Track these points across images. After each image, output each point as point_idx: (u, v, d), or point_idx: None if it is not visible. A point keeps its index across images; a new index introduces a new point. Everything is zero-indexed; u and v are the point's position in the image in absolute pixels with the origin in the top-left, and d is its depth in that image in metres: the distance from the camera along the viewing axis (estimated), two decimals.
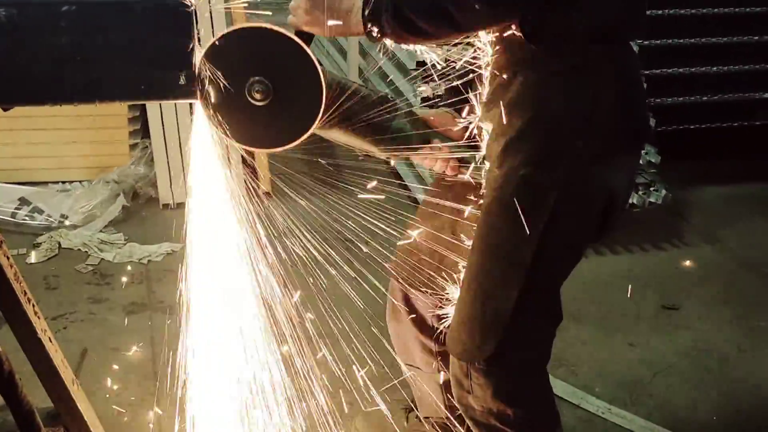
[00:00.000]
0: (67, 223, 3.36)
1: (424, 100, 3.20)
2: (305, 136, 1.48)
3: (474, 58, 1.58)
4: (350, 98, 1.58)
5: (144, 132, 3.62)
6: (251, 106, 1.43)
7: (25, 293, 1.55)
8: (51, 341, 1.62)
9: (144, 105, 3.49)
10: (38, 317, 1.58)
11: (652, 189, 3.43)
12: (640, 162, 3.37)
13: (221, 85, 1.41)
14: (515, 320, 1.59)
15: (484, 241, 1.58)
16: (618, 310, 2.98)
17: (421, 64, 3.28)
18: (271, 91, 1.41)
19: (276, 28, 1.44)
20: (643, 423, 2.39)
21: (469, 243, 1.65)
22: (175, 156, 3.51)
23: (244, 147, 1.50)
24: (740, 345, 2.80)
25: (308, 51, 1.42)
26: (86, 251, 3.20)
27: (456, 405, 1.79)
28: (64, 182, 3.65)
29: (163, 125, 3.46)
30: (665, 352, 2.75)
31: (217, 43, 1.40)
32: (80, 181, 3.64)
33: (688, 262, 3.34)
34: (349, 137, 1.63)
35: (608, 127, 1.49)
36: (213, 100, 1.42)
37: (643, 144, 1.67)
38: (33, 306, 1.56)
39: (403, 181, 3.59)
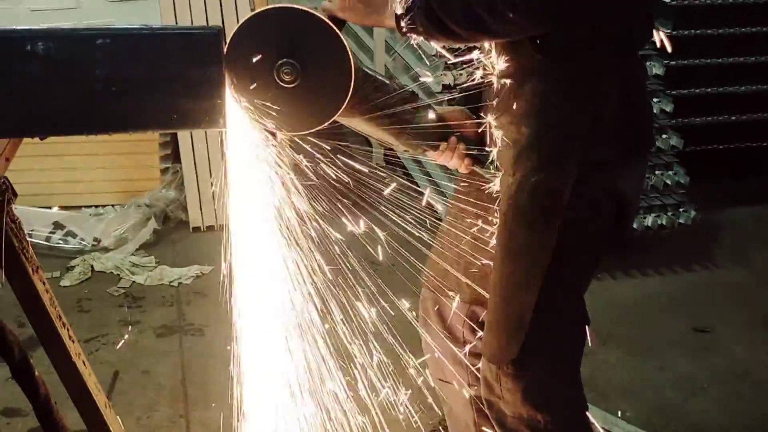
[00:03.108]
0: (99, 246, 3.42)
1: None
2: (330, 120, 1.49)
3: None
4: (376, 88, 1.60)
5: (175, 157, 3.68)
6: (279, 88, 1.44)
7: (60, 317, 1.58)
8: (85, 365, 1.65)
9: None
10: (72, 341, 1.62)
11: (681, 210, 3.41)
12: (660, 173, 3.38)
13: (250, 65, 1.41)
14: (537, 323, 1.60)
15: (503, 247, 1.61)
16: (648, 332, 2.95)
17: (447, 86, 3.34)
18: (299, 73, 1.42)
19: (310, 10, 1.46)
20: None
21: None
22: (205, 180, 3.56)
23: (268, 129, 1.51)
24: None
25: (340, 35, 1.44)
26: (118, 274, 3.26)
27: (486, 413, 1.79)
28: (96, 206, 3.72)
29: (193, 150, 3.52)
30: (697, 377, 2.71)
31: (248, 23, 1.41)
32: (112, 206, 3.71)
33: (719, 284, 3.30)
34: (371, 127, 1.64)
35: (614, 133, 1.52)
36: (242, 79, 1.42)
37: (648, 149, 1.71)
38: (68, 330, 1.59)
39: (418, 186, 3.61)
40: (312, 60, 1.41)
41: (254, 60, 1.39)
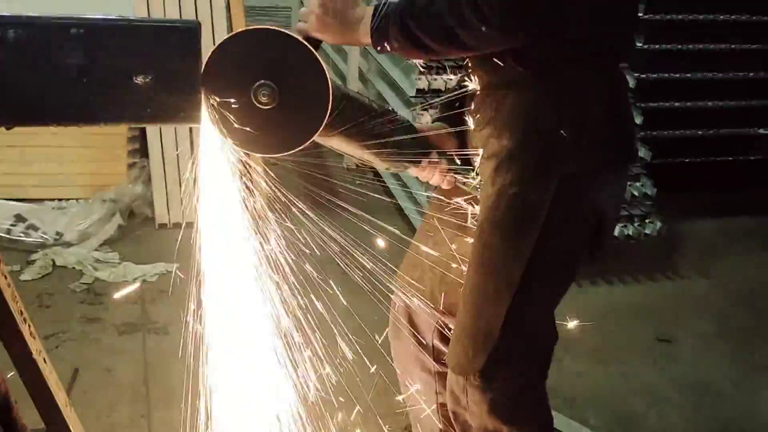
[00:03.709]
0: (62, 240, 3.35)
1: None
2: (308, 143, 1.47)
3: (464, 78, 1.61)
4: (354, 107, 1.59)
5: (143, 151, 3.62)
6: (256, 110, 1.42)
7: (22, 313, 1.53)
8: (45, 362, 1.60)
9: None
10: (34, 338, 1.57)
11: (647, 221, 3.45)
12: (628, 184, 3.41)
13: (227, 86, 1.40)
14: (506, 336, 1.60)
15: (477, 258, 1.60)
16: (612, 341, 2.98)
17: (421, 91, 3.34)
18: (277, 95, 1.41)
19: (286, 31, 1.44)
20: None
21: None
22: (173, 176, 3.51)
23: (245, 151, 1.49)
24: (735, 380, 2.80)
25: (317, 56, 1.42)
26: (80, 270, 3.19)
27: (452, 423, 1.79)
28: (60, 200, 3.64)
29: (162, 145, 3.46)
30: (660, 385, 2.74)
31: (225, 43, 1.40)
32: (77, 199, 3.63)
33: (682, 295, 3.35)
34: (350, 146, 1.63)
35: (597, 146, 1.51)
36: (217, 101, 1.41)
37: (630, 161, 1.70)
38: (29, 326, 1.55)
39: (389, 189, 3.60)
40: (289, 81, 1.39)
41: (230, 82, 1.37)
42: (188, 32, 1.39)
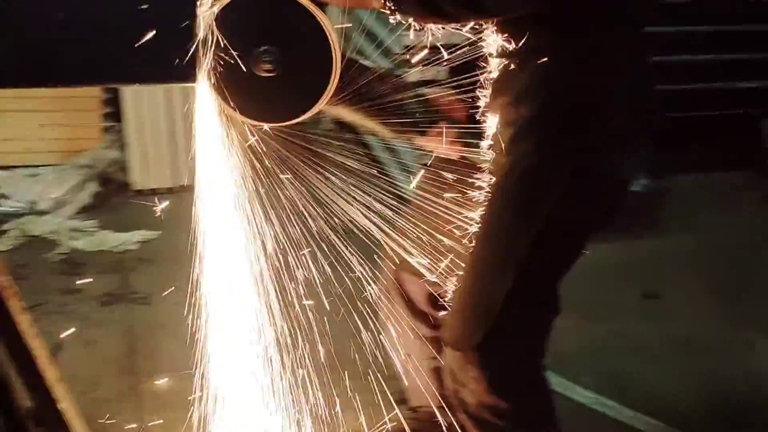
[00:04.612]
0: (35, 209, 3.25)
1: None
2: (314, 110, 1.42)
3: (475, 42, 1.54)
4: (359, 73, 1.53)
5: (118, 115, 3.51)
6: (258, 78, 1.36)
7: (12, 287, 1.47)
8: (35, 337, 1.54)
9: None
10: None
11: None
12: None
13: (227, 54, 1.33)
14: (508, 311, 1.57)
15: (486, 229, 1.56)
16: (601, 299, 2.97)
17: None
18: (280, 62, 1.34)
19: None
20: (631, 414, 2.39)
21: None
22: (149, 140, 3.41)
23: (250, 121, 1.43)
24: (723, 335, 2.81)
25: (323, 20, 1.36)
26: (55, 239, 3.09)
27: (450, 395, 1.76)
28: (32, 167, 3.52)
29: (137, 108, 3.35)
30: (650, 342, 2.75)
31: (224, 7, 1.32)
32: (50, 165, 3.51)
33: (666, 251, 3.35)
34: (356, 115, 1.58)
35: (618, 114, 1.47)
36: (218, 71, 1.34)
37: (652, 130, 1.65)
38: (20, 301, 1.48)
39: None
40: (291, 48, 1.34)
41: (232, 48, 1.31)
42: None
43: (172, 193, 3.51)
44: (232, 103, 1.37)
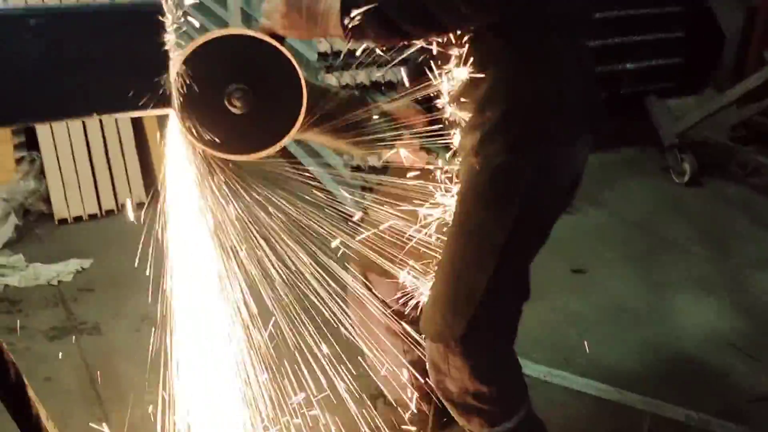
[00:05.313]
0: None
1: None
2: (285, 141, 1.47)
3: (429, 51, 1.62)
4: (325, 98, 1.58)
5: (30, 144, 3.37)
6: (229, 114, 1.40)
7: None
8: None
9: None
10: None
11: None
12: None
13: (198, 94, 1.37)
14: (487, 300, 1.65)
15: (459, 227, 1.64)
16: (535, 278, 3.11)
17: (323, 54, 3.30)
18: (251, 99, 1.39)
19: (254, 33, 1.42)
20: (583, 381, 2.57)
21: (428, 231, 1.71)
22: (68, 167, 3.31)
23: (221, 156, 1.47)
24: (647, 300, 3.05)
25: (289, 55, 1.41)
26: None
27: (433, 386, 1.84)
28: None
29: (53, 135, 3.24)
30: (585, 313, 2.95)
31: (192, 52, 1.36)
32: None
33: (581, 226, 3.56)
34: (325, 138, 1.64)
35: (574, 111, 1.60)
36: (188, 109, 1.38)
37: (603, 123, 1.79)
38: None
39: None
40: (260, 83, 1.38)
41: (202, 91, 1.35)
42: (153, 12, 1.34)
43: (97, 219, 3.42)
44: (204, 141, 1.40)
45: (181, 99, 1.36)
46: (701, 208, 3.81)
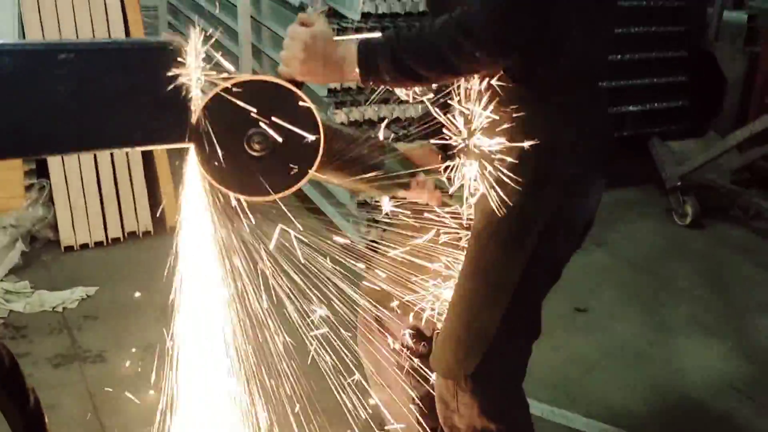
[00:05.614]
0: None
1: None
2: (303, 182, 1.49)
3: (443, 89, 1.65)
4: (342, 140, 1.61)
5: (39, 171, 3.41)
6: (248, 156, 1.43)
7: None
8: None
9: None
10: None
11: None
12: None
13: (218, 136, 1.40)
14: (499, 339, 1.66)
15: (473, 265, 1.65)
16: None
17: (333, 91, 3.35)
18: (270, 142, 1.42)
19: (275, 79, 1.45)
20: (585, 421, 2.56)
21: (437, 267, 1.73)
22: (77, 195, 3.34)
23: (238, 196, 1.49)
24: (650, 340, 3.06)
25: (308, 101, 1.44)
26: None
27: (442, 422, 1.84)
28: None
29: (63, 163, 3.28)
30: (587, 352, 2.95)
31: (213, 97, 1.39)
32: None
33: (585, 266, 3.58)
34: (341, 178, 1.66)
35: (592, 155, 1.62)
36: (208, 151, 1.41)
37: (611, 166, 1.82)
38: None
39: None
40: (279, 127, 1.41)
41: (222, 135, 1.38)
42: (172, 50, 1.38)
43: (103, 246, 3.44)
44: (222, 181, 1.43)
45: (202, 141, 1.39)
46: (703, 250, 3.83)
